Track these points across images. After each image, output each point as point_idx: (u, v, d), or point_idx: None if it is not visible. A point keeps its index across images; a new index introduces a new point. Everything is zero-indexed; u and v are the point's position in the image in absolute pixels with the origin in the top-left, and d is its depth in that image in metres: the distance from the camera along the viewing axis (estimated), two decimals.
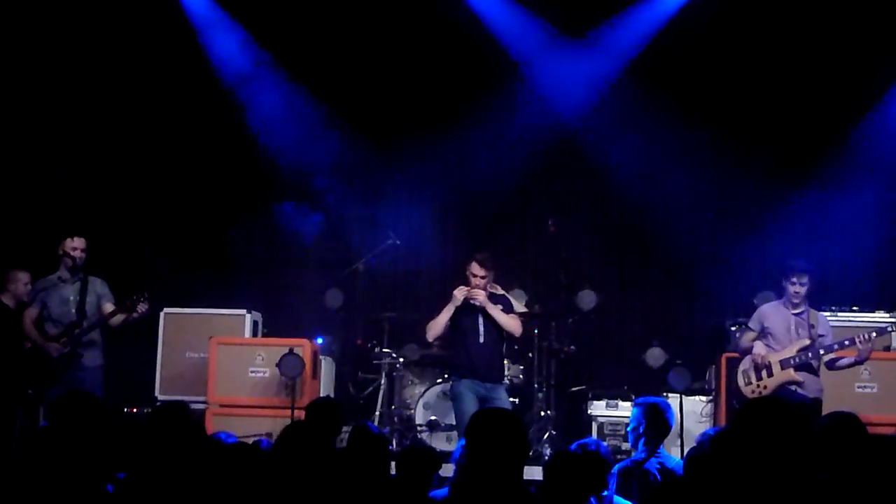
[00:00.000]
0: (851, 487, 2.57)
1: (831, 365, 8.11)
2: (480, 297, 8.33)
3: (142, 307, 8.59)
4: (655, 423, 6.51)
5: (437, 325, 8.41)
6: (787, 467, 3.01)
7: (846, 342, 7.97)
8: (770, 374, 8.05)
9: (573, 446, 5.85)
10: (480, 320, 8.38)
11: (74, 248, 8.68)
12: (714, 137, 10.37)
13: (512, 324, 8.48)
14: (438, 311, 8.48)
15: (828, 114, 10.68)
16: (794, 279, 8.02)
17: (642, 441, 6.48)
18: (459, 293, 8.33)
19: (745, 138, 10.59)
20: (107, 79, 10.93)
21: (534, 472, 6.78)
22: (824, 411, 7.78)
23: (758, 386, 8.05)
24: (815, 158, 10.64)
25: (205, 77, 11.03)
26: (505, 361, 9.01)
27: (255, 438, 7.74)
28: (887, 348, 9.29)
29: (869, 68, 10.48)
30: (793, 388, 7.96)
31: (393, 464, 5.32)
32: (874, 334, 7.91)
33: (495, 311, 8.38)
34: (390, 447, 6.73)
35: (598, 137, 10.85)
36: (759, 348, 8.09)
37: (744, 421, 3.26)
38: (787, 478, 2.95)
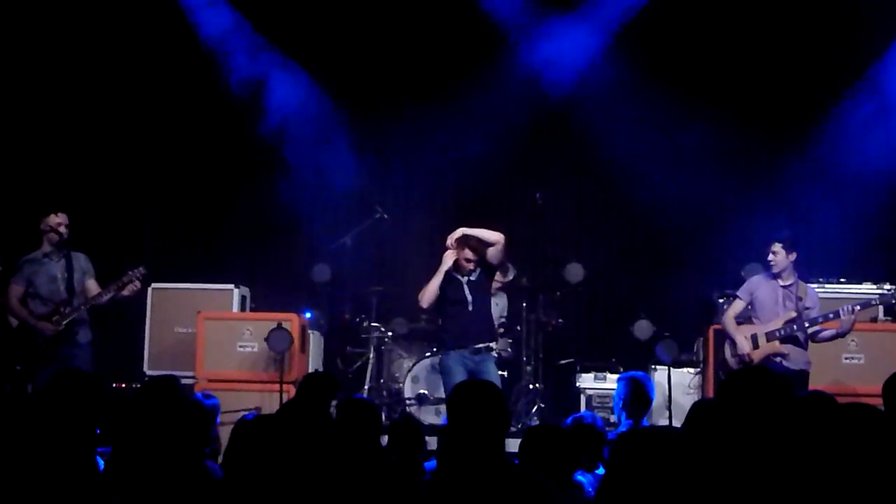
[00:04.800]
0: (819, 457, 2.59)
1: (814, 337, 8.14)
2: (470, 266, 8.35)
3: (131, 287, 8.53)
4: (636, 396, 6.78)
5: (430, 291, 8.36)
6: (766, 436, 3.03)
7: (830, 315, 7.99)
8: (756, 346, 8.09)
9: (568, 420, 5.92)
10: (466, 289, 8.36)
11: (59, 224, 8.59)
12: (702, 109, 10.32)
13: (493, 236, 8.40)
14: (426, 284, 8.47)
15: (817, 84, 10.65)
16: (769, 248, 8.11)
17: (624, 414, 6.66)
18: (450, 256, 8.33)
19: (734, 110, 10.53)
20: (90, 51, 10.83)
21: None
22: (811, 383, 7.85)
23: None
24: (805, 130, 10.64)
25: (191, 49, 10.95)
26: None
27: (243, 413, 7.77)
28: (874, 320, 9.31)
29: (859, 38, 10.44)
30: (778, 360, 7.99)
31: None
32: (858, 307, 7.94)
33: (477, 232, 8.36)
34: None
35: (586, 110, 10.80)
36: (742, 345, 8.12)
37: (728, 390, 3.28)
38: (763, 446, 2.96)
